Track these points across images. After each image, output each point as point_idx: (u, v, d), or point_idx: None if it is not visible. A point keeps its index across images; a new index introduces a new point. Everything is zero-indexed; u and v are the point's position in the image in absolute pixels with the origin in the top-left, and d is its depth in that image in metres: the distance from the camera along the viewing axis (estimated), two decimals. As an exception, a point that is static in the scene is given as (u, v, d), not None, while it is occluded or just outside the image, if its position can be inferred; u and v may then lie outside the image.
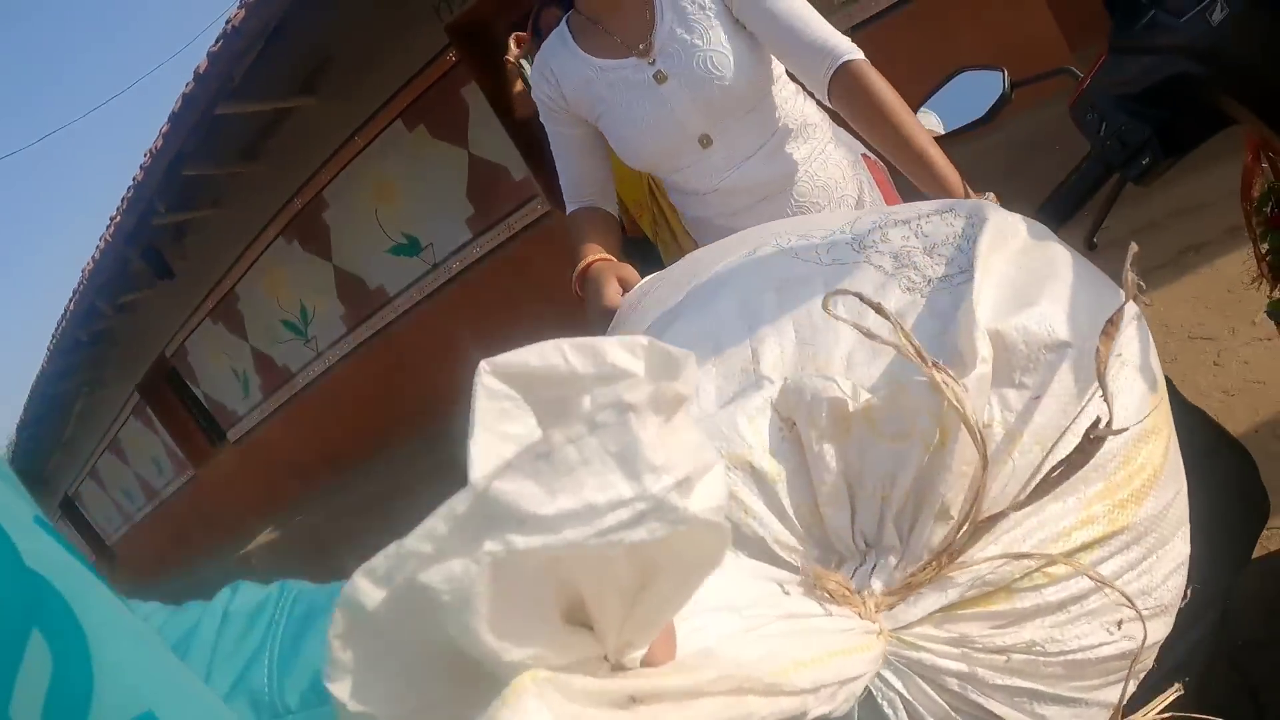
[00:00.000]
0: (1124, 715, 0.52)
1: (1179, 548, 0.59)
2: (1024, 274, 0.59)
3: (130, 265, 5.68)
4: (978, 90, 1.13)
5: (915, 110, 1.13)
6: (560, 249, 3.70)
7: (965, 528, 0.47)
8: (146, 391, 7.52)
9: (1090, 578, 0.50)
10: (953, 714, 0.50)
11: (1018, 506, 0.47)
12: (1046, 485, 0.47)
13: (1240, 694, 0.95)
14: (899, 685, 0.49)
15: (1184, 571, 0.59)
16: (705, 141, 1.24)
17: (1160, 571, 0.57)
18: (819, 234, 0.73)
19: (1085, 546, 0.51)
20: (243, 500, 7.20)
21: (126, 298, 6.19)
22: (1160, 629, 0.57)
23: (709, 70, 1.20)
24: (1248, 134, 0.92)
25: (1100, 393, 0.48)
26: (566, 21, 1.30)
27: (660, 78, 1.21)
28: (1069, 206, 0.93)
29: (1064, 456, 0.47)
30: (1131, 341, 0.56)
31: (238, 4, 4.42)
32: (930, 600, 0.48)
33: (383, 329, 5.30)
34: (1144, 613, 0.52)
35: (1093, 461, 0.48)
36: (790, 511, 0.52)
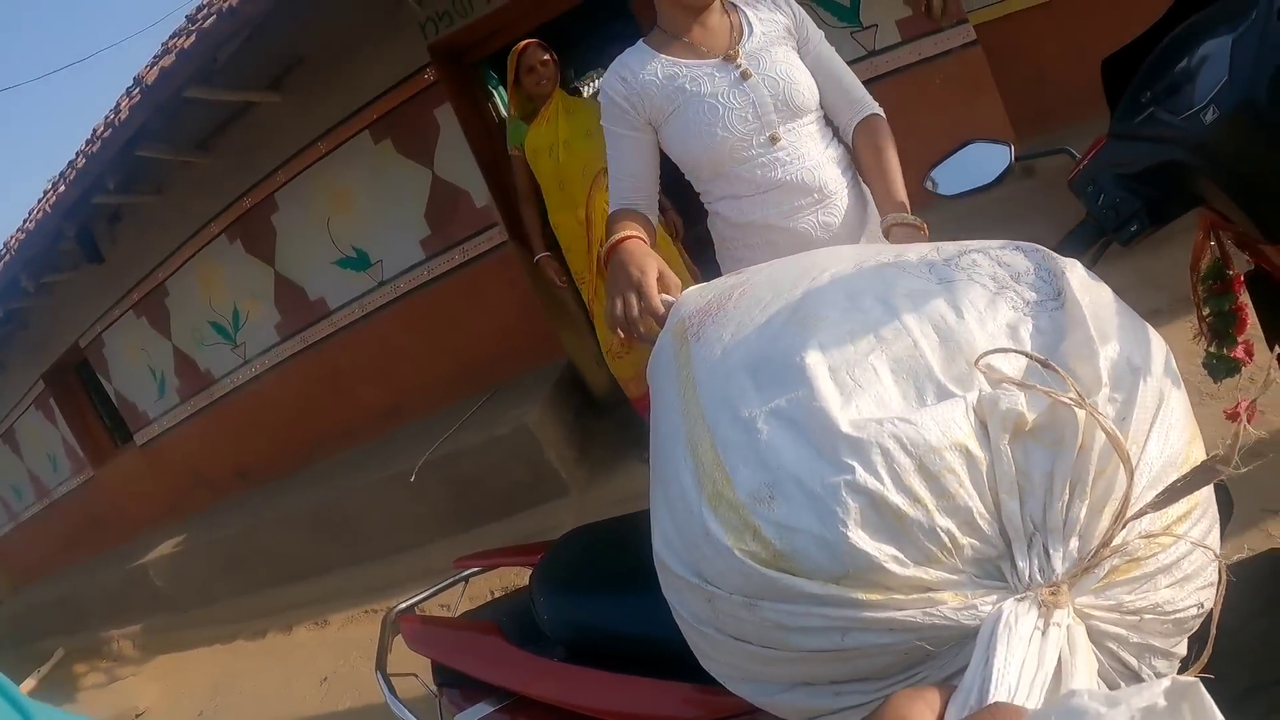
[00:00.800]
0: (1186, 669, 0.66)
1: (1216, 526, 0.73)
2: (1095, 307, 0.72)
3: (61, 243, 5.42)
4: (985, 159, 1.31)
5: (928, 171, 1.37)
6: (513, 279, 3.66)
7: (1119, 519, 0.60)
8: (52, 381, 7.11)
9: (1192, 543, 0.65)
10: (1110, 671, 0.64)
11: (1155, 506, 0.59)
12: (1174, 493, 0.58)
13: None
14: (1087, 652, 0.58)
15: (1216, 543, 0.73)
16: (774, 139, 1.48)
17: (1217, 536, 0.73)
18: (911, 255, 0.84)
19: (1180, 519, 0.65)
20: (144, 508, 6.81)
21: (50, 278, 5.89)
22: (1211, 593, 0.69)
23: (787, 76, 1.48)
24: (1202, 215, 1.06)
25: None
26: (644, 40, 1.56)
27: (745, 74, 1.47)
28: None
29: (1188, 474, 0.58)
30: (1174, 366, 0.73)
31: None
32: (1091, 577, 0.61)
33: (317, 342, 5.12)
34: (1208, 578, 0.67)
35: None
36: (988, 495, 0.62)
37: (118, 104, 5.11)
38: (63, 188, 5.17)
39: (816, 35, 1.57)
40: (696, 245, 3.37)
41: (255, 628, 5.06)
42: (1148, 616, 0.65)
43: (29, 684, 6.04)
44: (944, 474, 0.62)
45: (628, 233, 1.35)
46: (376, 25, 4.30)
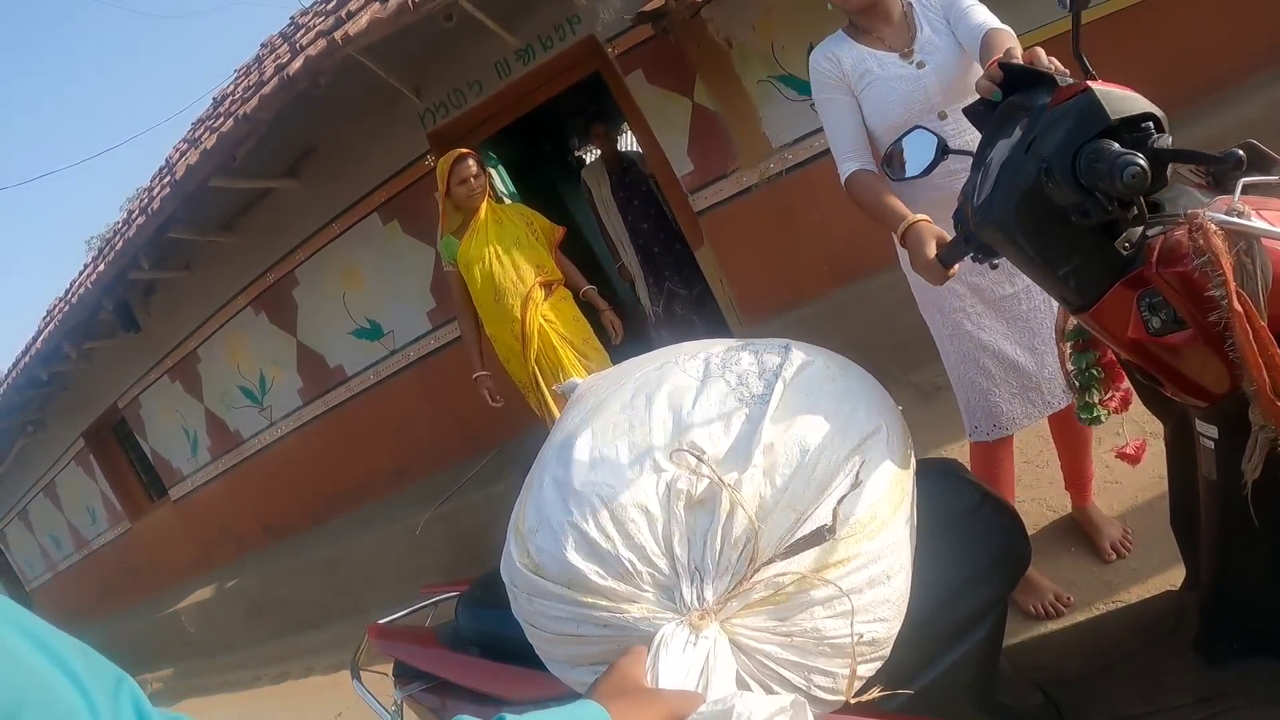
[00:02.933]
0: (856, 694, 0.98)
1: (901, 578, 1.03)
2: (799, 397, 1.08)
3: (101, 314, 5.97)
4: (921, 147, 1.58)
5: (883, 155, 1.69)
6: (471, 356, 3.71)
7: (751, 564, 0.94)
8: (92, 439, 7.70)
9: (816, 583, 0.95)
10: (761, 675, 0.96)
11: (782, 556, 0.95)
12: (796, 547, 0.96)
13: (1023, 688, 1.39)
14: (728, 656, 0.92)
15: (904, 595, 1.04)
16: (942, 115, 1.84)
17: (888, 589, 1.01)
18: (700, 356, 1.21)
19: (835, 564, 0.97)
20: (176, 559, 7.32)
21: (90, 345, 6.46)
22: (884, 629, 1.01)
23: (952, 65, 1.83)
24: None
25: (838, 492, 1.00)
26: (842, 30, 1.96)
27: (920, 65, 1.85)
28: None
29: (805, 534, 0.96)
30: (880, 448, 1.06)
31: (250, 90, 4.88)
32: (737, 603, 0.95)
33: (336, 406, 5.62)
34: (875, 615, 0.99)
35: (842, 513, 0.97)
36: (660, 541, 0.98)
37: (151, 190, 5.71)
38: (101, 266, 5.75)
39: (963, 5, 1.84)
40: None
41: (274, 672, 5.44)
42: (799, 640, 0.96)
43: None
44: (626, 522, 0.99)
45: (914, 218, 1.63)
46: (380, 117, 4.81)
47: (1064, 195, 1.01)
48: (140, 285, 5.91)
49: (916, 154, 1.58)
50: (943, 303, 1.98)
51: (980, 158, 1.29)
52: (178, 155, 5.88)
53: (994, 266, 1.36)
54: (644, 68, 4.35)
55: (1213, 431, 1.11)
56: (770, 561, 0.95)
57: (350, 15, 4.39)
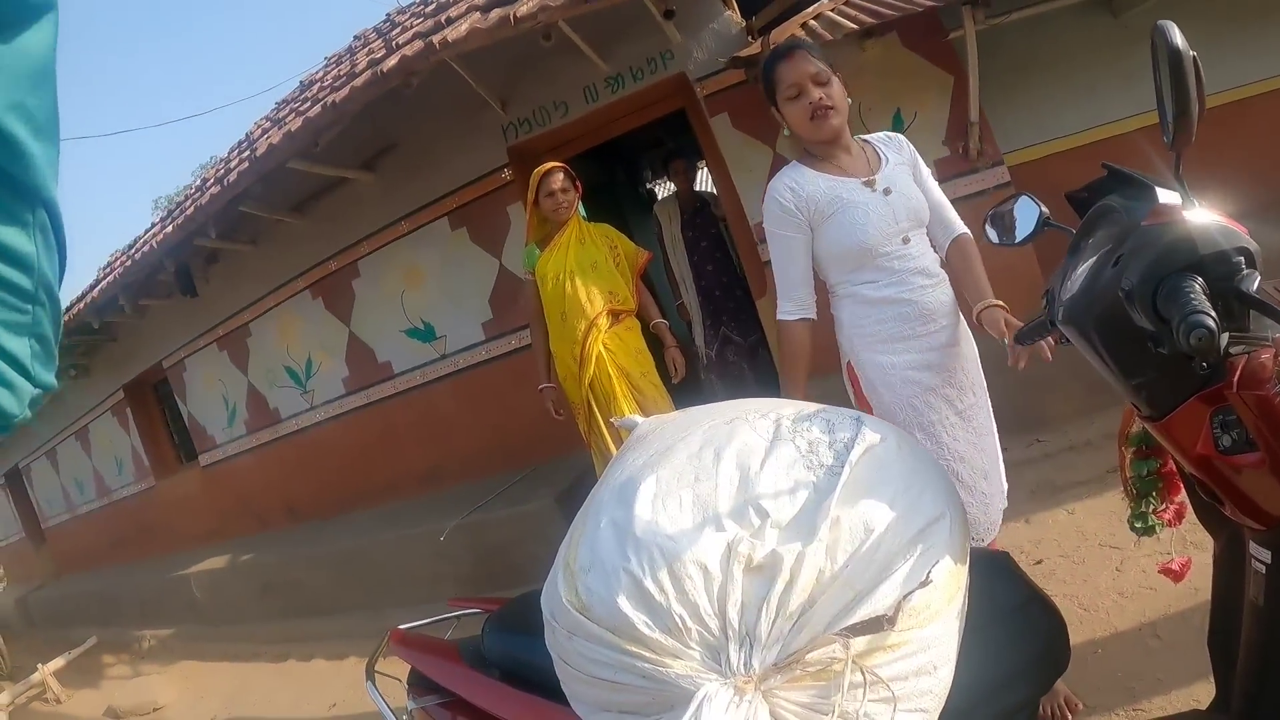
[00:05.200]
0: None
1: (946, 669, 1.04)
2: (869, 474, 1.10)
3: (160, 274, 6.20)
4: (1025, 215, 1.63)
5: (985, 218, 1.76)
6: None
7: (805, 637, 0.96)
8: (132, 393, 7.94)
9: (862, 671, 0.95)
10: None
11: (837, 636, 0.95)
12: (852, 630, 0.96)
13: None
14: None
15: (946, 686, 1.04)
16: (906, 240, 2.02)
17: (933, 679, 1.02)
18: (771, 415, 1.23)
19: (879, 650, 0.97)
20: (194, 524, 7.52)
21: (146, 301, 6.71)
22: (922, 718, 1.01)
23: (915, 196, 2.04)
24: None
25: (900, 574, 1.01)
26: (799, 160, 2.08)
27: (888, 191, 2.01)
28: None
29: (863, 620, 0.96)
30: (943, 536, 1.07)
31: (341, 80, 5.08)
32: (783, 675, 0.95)
33: (378, 400, 5.77)
34: (916, 705, 0.99)
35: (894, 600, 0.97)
36: (715, 601, 0.99)
37: (229, 162, 5.94)
38: (169, 228, 5.97)
39: (925, 172, 2.12)
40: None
41: (277, 651, 5.51)
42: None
43: (57, 663, 6.57)
44: (684, 578, 0.99)
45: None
46: (463, 123, 4.98)
47: (1141, 320, 1.01)
48: (203, 252, 6.12)
49: (1023, 220, 1.63)
50: (921, 418, 2.05)
51: (1075, 245, 1.32)
52: (259, 132, 6.12)
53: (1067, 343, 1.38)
54: (730, 111, 4.45)
55: (1266, 556, 1.10)
56: (823, 639, 0.96)
57: (450, 21, 4.56)
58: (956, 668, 1.07)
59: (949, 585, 1.05)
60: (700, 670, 0.97)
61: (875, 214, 1.97)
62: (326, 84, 5.40)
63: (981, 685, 1.13)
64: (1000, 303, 1.95)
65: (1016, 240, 1.64)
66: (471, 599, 2.06)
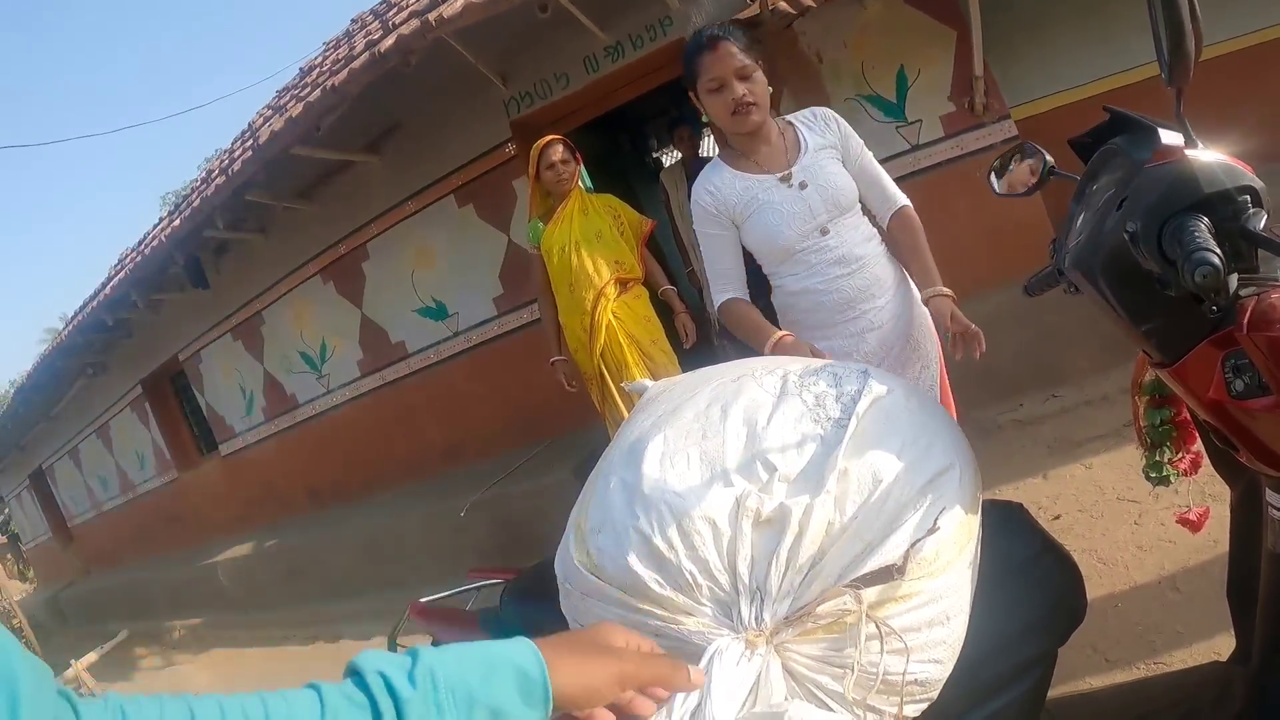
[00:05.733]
0: None
1: (959, 620, 1.03)
2: (876, 426, 1.09)
3: (171, 268, 6.26)
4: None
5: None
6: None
7: (816, 590, 0.96)
8: (150, 387, 8.06)
9: (875, 622, 0.93)
10: (809, 703, 0.95)
11: (848, 588, 0.94)
12: (862, 580, 0.95)
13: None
14: (779, 679, 0.95)
15: (960, 638, 1.03)
16: (824, 231, 2.00)
17: (946, 630, 1.01)
18: (778, 372, 1.22)
19: (890, 600, 0.96)
20: (219, 513, 7.65)
21: (158, 296, 6.77)
22: (937, 671, 1.01)
23: (834, 184, 1.98)
24: None
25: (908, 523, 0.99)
26: (720, 156, 2.07)
27: (803, 185, 1.97)
28: None
29: (873, 570, 0.95)
30: (952, 487, 1.06)
31: (340, 63, 5.11)
32: (795, 629, 0.95)
33: (394, 380, 5.84)
34: (930, 656, 0.98)
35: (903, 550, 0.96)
36: (725, 556, 0.98)
37: (232, 152, 5.97)
38: (177, 221, 6.02)
39: (857, 147, 2.07)
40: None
41: (305, 634, 5.63)
42: (857, 673, 0.94)
43: (90, 658, 6.70)
44: (693, 534, 0.99)
45: (780, 333, 1.92)
46: (466, 101, 4.99)
47: (1148, 262, 1.00)
48: (213, 244, 6.19)
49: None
50: None
51: (1080, 191, 1.30)
52: (261, 121, 6.13)
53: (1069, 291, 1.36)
54: None
55: None
56: (833, 591, 0.95)
57: (446, -1, 4.57)
58: (971, 619, 1.06)
59: (959, 535, 1.04)
60: (712, 626, 0.97)
61: (790, 213, 1.96)
62: (326, 69, 5.39)
63: (997, 636, 1.11)
64: (948, 291, 1.92)
65: (1021, 192, 1.59)
66: (491, 569, 2.09)
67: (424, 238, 5.42)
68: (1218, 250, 0.89)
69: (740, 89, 1.89)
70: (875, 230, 2.12)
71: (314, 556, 5.95)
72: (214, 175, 5.93)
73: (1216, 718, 1.33)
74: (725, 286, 2.07)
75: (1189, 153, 1.03)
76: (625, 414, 3.56)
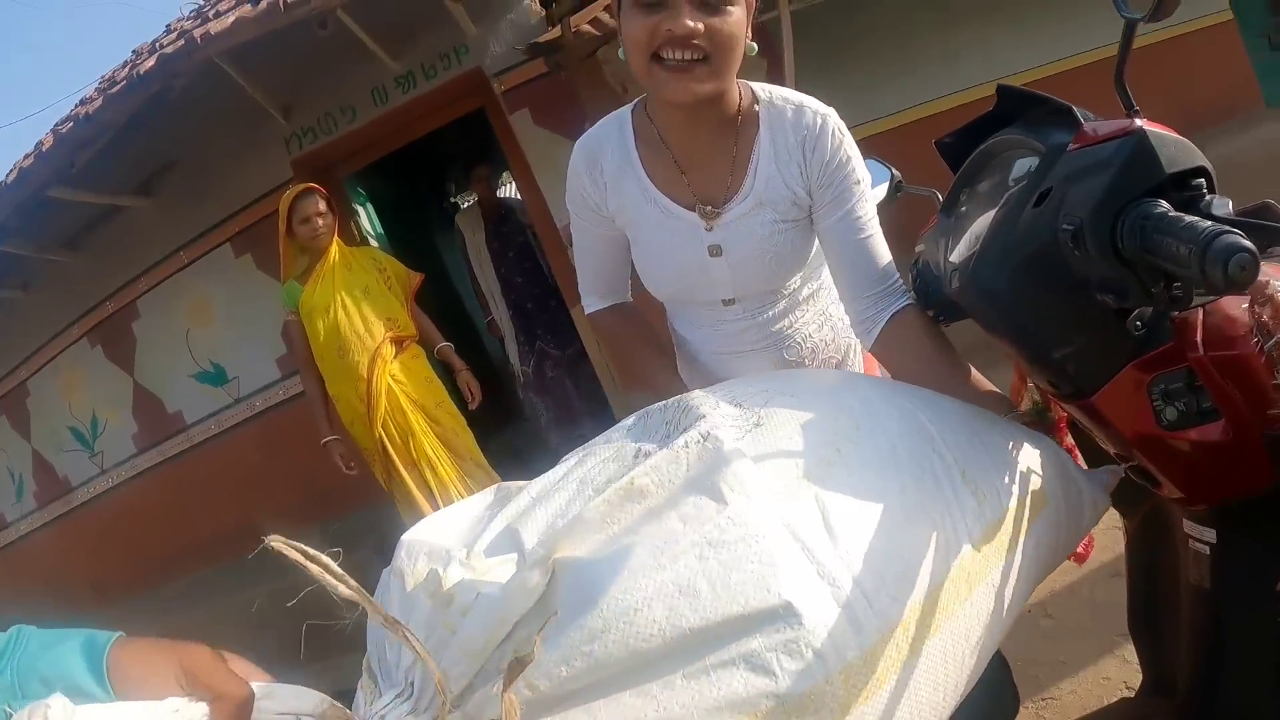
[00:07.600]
0: None
1: None
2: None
3: (-80, 335, 5.56)
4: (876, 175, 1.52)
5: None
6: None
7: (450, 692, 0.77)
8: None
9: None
10: None
11: (506, 681, 0.74)
12: (508, 676, 0.75)
13: None
14: None
15: None
16: (729, 302, 1.39)
17: None
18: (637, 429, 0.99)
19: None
20: (-4, 615, 6.78)
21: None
22: None
23: (761, 266, 1.32)
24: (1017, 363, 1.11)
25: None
26: (635, 128, 1.30)
27: (714, 251, 1.31)
28: None
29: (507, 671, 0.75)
30: None
31: (95, 90, 4.61)
32: None
33: (174, 456, 5.26)
34: None
35: None
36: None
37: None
38: (-78, 280, 5.36)
39: (842, 198, 1.25)
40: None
41: None
42: None
43: None
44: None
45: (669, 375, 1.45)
46: (244, 136, 4.56)
47: (1093, 267, 0.82)
48: (-33, 304, 5.50)
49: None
50: None
51: (953, 200, 1.13)
52: (25, 159, 5.54)
53: (946, 325, 1.19)
54: (531, 106, 4.22)
55: (1210, 535, 0.99)
56: (470, 689, 0.79)
57: (218, 15, 4.15)
58: None
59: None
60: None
61: (686, 269, 1.35)
62: (91, 98, 4.90)
63: None
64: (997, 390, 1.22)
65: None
66: None
67: (199, 292, 4.91)
68: (1242, 231, 0.70)
69: (691, 21, 1.11)
70: (841, 316, 1.46)
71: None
72: (-38, 225, 5.28)
73: None
74: (594, 294, 1.50)
75: (1140, 124, 0.83)
76: (415, 493, 3.35)
